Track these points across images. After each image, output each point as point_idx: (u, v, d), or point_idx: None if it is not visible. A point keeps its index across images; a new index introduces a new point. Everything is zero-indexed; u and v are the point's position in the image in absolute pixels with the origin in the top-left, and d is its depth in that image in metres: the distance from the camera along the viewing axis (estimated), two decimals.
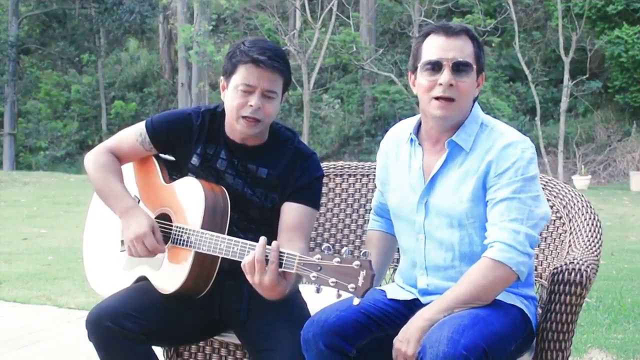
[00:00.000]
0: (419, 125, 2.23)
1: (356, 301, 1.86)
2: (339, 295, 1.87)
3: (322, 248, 1.91)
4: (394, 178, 2.27)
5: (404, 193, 2.21)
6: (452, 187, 2.11)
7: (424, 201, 2.16)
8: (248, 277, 2.04)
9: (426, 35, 2.15)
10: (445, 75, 2.07)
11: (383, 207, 2.38)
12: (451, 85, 2.06)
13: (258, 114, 2.27)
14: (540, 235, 2.57)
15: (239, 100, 2.27)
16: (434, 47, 2.10)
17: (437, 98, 2.08)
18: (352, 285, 1.84)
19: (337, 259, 1.87)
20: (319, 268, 1.89)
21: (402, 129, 2.30)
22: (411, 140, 2.22)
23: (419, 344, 1.94)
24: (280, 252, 2.01)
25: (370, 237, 2.41)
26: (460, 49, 2.09)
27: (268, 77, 2.26)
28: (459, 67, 2.07)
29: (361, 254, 1.88)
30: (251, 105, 2.26)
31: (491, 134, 2.12)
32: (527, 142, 2.10)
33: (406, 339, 1.98)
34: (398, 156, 2.27)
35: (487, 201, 2.08)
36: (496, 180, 2.06)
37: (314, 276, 1.89)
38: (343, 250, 1.89)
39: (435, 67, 2.08)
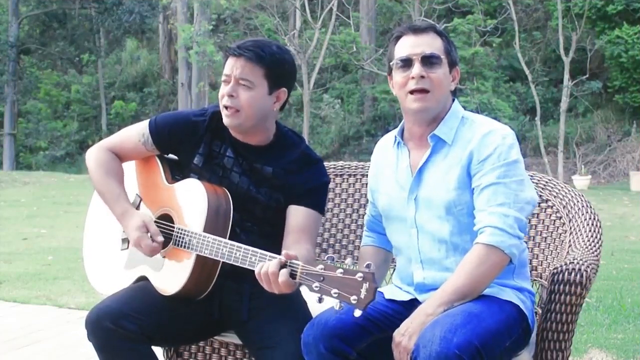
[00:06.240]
0: (404, 128, 2.29)
1: (357, 313, 1.85)
2: (341, 307, 1.87)
3: (326, 258, 1.90)
4: (383, 182, 2.31)
5: (394, 192, 2.26)
6: (438, 179, 2.16)
7: (413, 196, 2.20)
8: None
9: (397, 38, 2.25)
10: (415, 68, 2.16)
11: (375, 220, 2.41)
12: (422, 77, 2.15)
13: (233, 102, 2.28)
14: (540, 235, 2.58)
15: (221, 92, 2.31)
16: (404, 46, 2.20)
17: (412, 92, 2.16)
18: (355, 297, 1.83)
19: (340, 270, 1.86)
20: (321, 278, 1.88)
21: (389, 137, 2.38)
22: (398, 143, 2.28)
23: None
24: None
25: (363, 253, 2.44)
26: (429, 43, 2.19)
27: (241, 64, 2.27)
28: (428, 60, 2.16)
29: (364, 265, 1.87)
30: (224, 94, 2.29)
31: (472, 126, 2.19)
32: (507, 129, 2.17)
33: (408, 333, 1.99)
34: (386, 161, 2.33)
35: (473, 188, 2.12)
36: (479, 167, 2.11)
37: (316, 286, 1.88)
38: (347, 262, 1.89)
39: (406, 63, 2.18)
